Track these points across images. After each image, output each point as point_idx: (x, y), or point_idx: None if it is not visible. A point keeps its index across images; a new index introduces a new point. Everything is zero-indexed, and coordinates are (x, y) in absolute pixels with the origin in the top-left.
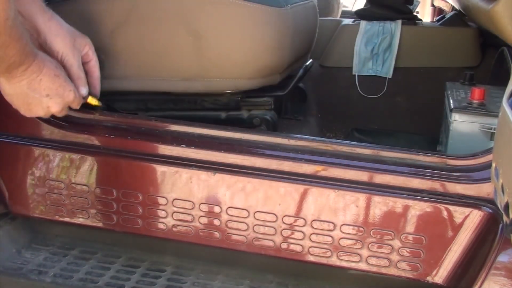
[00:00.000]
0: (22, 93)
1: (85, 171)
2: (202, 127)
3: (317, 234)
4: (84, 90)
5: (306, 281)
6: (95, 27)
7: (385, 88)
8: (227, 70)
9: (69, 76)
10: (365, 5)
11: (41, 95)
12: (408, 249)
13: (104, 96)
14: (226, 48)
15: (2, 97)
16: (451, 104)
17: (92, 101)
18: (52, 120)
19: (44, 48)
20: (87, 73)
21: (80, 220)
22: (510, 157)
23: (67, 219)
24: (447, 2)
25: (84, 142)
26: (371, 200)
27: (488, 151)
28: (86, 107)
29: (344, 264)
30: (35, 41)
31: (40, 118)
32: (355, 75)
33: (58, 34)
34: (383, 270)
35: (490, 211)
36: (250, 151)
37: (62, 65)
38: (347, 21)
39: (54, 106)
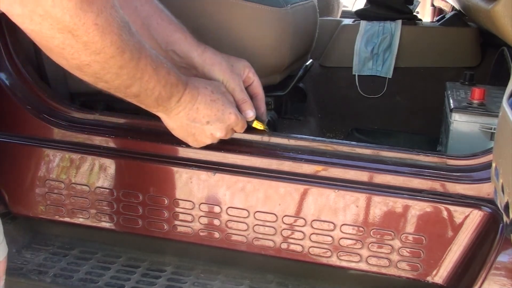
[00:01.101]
0: (184, 125)
1: (85, 171)
2: None
3: (317, 234)
4: (251, 113)
5: (306, 281)
6: None
7: (385, 88)
8: None
9: (236, 101)
10: (365, 5)
11: (202, 123)
12: (408, 249)
13: (104, 96)
14: (226, 48)
15: (1, 96)
16: (451, 104)
17: (258, 125)
18: (52, 120)
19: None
20: (251, 96)
21: (80, 220)
22: (510, 157)
23: (67, 219)
24: (447, 2)
25: (84, 142)
26: (371, 200)
27: (488, 151)
28: (86, 107)
29: (344, 264)
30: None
31: (41, 118)
32: (355, 75)
33: (214, 63)
34: (383, 270)
35: (490, 211)
36: (250, 151)
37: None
38: (347, 21)
39: (217, 132)
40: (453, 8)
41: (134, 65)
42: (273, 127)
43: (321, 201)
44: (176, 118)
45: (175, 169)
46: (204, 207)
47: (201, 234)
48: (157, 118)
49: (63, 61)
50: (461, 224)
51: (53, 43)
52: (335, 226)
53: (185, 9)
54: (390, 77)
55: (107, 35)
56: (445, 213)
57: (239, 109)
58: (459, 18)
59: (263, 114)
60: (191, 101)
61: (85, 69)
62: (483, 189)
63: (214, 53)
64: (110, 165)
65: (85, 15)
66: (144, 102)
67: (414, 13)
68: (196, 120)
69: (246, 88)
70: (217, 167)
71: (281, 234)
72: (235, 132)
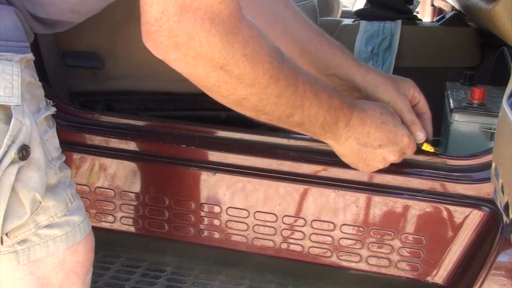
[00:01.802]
0: (354, 150)
1: (85, 171)
2: (202, 127)
3: (317, 234)
4: (421, 135)
5: (306, 281)
6: (95, 27)
7: None
8: None
9: (404, 122)
10: (365, 5)
11: (374, 147)
12: (408, 249)
13: (104, 96)
14: None
15: None
16: (451, 104)
17: (427, 147)
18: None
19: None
20: (418, 116)
21: None
22: (510, 157)
23: None
24: (447, 2)
25: (84, 142)
26: (371, 200)
27: (488, 151)
28: (86, 106)
29: (344, 264)
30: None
31: None
32: None
33: (378, 84)
34: (383, 270)
35: (490, 211)
36: (250, 151)
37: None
38: (347, 21)
39: (390, 156)
40: (453, 8)
41: (292, 92)
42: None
43: (321, 201)
44: (346, 144)
45: (175, 169)
46: (204, 207)
47: (201, 234)
48: (157, 119)
49: (222, 99)
50: (461, 224)
51: (209, 82)
52: (335, 226)
53: None
54: None
55: (258, 64)
56: (445, 213)
57: (410, 131)
58: (459, 18)
59: (430, 134)
60: (360, 124)
61: (244, 103)
62: (483, 189)
63: (378, 73)
64: (110, 165)
65: (232, 48)
66: (310, 130)
67: (414, 13)
68: (367, 145)
69: (413, 108)
70: (217, 167)
71: (281, 234)
72: (406, 155)
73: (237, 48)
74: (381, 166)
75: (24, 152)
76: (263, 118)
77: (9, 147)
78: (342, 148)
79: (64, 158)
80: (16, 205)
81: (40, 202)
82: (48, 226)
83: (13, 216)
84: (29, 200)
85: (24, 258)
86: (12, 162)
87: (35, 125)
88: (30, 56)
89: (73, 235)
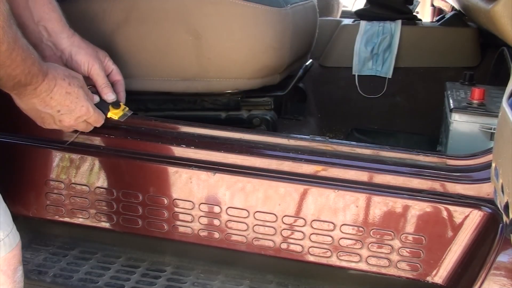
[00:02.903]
0: (34, 109)
1: (85, 171)
2: (202, 127)
3: (317, 234)
4: (112, 96)
5: (306, 281)
6: (95, 26)
7: (385, 88)
8: (227, 70)
9: (97, 85)
10: (365, 5)
11: (53, 110)
12: (408, 249)
13: None
14: (226, 48)
15: (2, 97)
16: (451, 104)
17: (113, 115)
18: None
19: (70, 63)
20: (111, 83)
21: (80, 220)
22: (510, 157)
23: (67, 219)
24: (447, 2)
25: (84, 142)
26: (371, 200)
27: (488, 151)
28: None
29: (344, 264)
30: (57, 59)
31: None
32: (355, 75)
33: (81, 47)
34: (383, 270)
35: (490, 211)
36: (250, 151)
37: (89, 74)
38: (347, 21)
39: (65, 121)
40: (453, 8)
41: (8, 55)
42: (273, 127)
43: (321, 201)
44: (28, 103)
45: (175, 169)
46: (204, 207)
47: (201, 234)
48: (157, 118)
49: None
50: (461, 224)
51: None
52: (335, 226)
53: (185, 9)
54: (390, 77)
55: None
56: (445, 213)
57: (101, 92)
58: (459, 18)
59: (122, 98)
60: (46, 91)
61: None
62: (483, 189)
63: (81, 39)
64: (110, 165)
65: None
66: (1, 84)
67: (414, 13)
68: (47, 107)
69: (108, 75)
70: (217, 167)
71: (281, 234)
72: (91, 124)
73: None
74: (55, 127)
75: None
76: None
77: None
78: (23, 104)
79: None
80: None
81: None
82: None
83: None
84: None
85: None
86: None
87: None
88: None
89: None
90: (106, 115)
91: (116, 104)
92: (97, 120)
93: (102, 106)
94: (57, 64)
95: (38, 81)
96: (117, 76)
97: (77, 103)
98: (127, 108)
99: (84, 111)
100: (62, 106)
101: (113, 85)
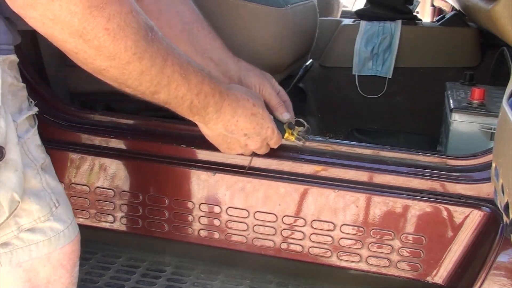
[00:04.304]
0: (220, 134)
1: (85, 171)
2: None
3: (317, 234)
4: (287, 115)
5: (306, 281)
6: None
7: (385, 88)
8: None
9: (270, 105)
10: (365, 5)
11: (239, 135)
12: (408, 249)
13: (104, 96)
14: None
15: None
16: (451, 104)
17: (290, 136)
18: (52, 120)
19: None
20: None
21: (80, 220)
22: (510, 157)
23: None
24: (447, 2)
25: (84, 142)
26: (371, 200)
27: (488, 151)
28: (86, 106)
29: (344, 264)
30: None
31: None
32: (355, 75)
33: (249, 69)
34: (383, 270)
35: (490, 211)
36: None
37: (262, 94)
38: (347, 21)
39: (252, 144)
40: (453, 8)
41: (157, 72)
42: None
43: (321, 201)
44: (214, 128)
45: (175, 169)
46: (204, 207)
47: (201, 234)
48: (157, 118)
49: (82, 65)
50: (461, 224)
51: (67, 46)
52: (335, 226)
53: None
54: (390, 77)
55: (120, 40)
56: (445, 213)
57: (275, 112)
58: (459, 18)
59: (292, 118)
60: (231, 113)
61: (104, 74)
62: (483, 189)
63: (247, 62)
64: (110, 165)
65: (94, 20)
66: (178, 110)
67: (414, 13)
68: (234, 132)
69: None
70: (217, 167)
71: (281, 234)
72: (270, 146)
73: (100, 21)
74: (241, 151)
75: None
76: (127, 91)
77: None
78: (210, 131)
79: (48, 158)
80: None
81: (19, 202)
82: (30, 230)
83: None
84: (7, 200)
85: (6, 262)
86: None
87: (12, 126)
88: (14, 57)
89: (57, 240)
90: (283, 136)
91: (290, 125)
92: (277, 141)
93: (278, 127)
94: (236, 84)
95: (218, 102)
96: (284, 97)
97: (263, 125)
98: (300, 129)
99: (270, 132)
100: (249, 128)
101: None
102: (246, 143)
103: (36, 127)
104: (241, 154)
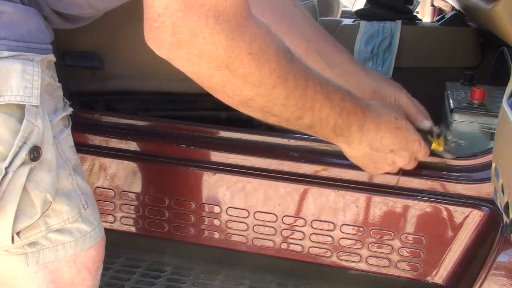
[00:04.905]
0: (366, 154)
1: (85, 171)
2: (202, 127)
3: (317, 234)
4: (428, 123)
5: (306, 281)
6: (95, 27)
7: None
8: None
9: (408, 115)
10: (365, 5)
11: (385, 152)
12: (408, 249)
13: (104, 96)
14: None
15: None
16: (451, 104)
17: (438, 146)
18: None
19: (374, 99)
20: None
21: None
22: (510, 157)
23: None
24: (447, 2)
25: (84, 142)
26: (371, 200)
27: (488, 151)
28: (86, 106)
29: (344, 264)
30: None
31: None
32: None
33: (382, 79)
34: (383, 270)
35: (490, 211)
36: (250, 151)
37: (398, 105)
38: (347, 21)
39: (399, 161)
40: (453, 8)
41: (301, 93)
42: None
43: (321, 201)
44: (359, 148)
45: (175, 169)
46: (204, 207)
47: (201, 234)
48: (157, 118)
49: (228, 99)
50: (461, 224)
51: (213, 81)
52: (335, 226)
53: None
54: (390, 77)
55: (264, 63)
56: (445, 213)
57: (415, 120)
58: (459, 18)
59: (435, 128)
60: (374, 129)
61: (251, 104)
62: (483, 189)
63: (377, 72)
64: (110, 165)
65: (237, 46)
66: (321, 133)
67: (414, 13)
68: (379, 149)
69: None
70: (217, 167)
71: (281, 234)
72: (418, 160)
73: (243, 46)
74: (388, 169)
75: (35, 153)
76: (271, 120)
77: (20, 148)
78: (354, 151)
79: (78, 158)
80: (27, 205)
81: (51, 203)
82: (59, 230)
83: (24, 216)
84: (41, 201)
85: (33, 261)
86: (23, 163)
87: (49, 126)
88: (52, 57)
89: (83, 242)
90: (429, 146)
91: (435, 134)
92: (425, 154)
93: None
94: (373, 100)
95: (360, 119)
96: (419, 105)
97: (409, 138)
98: (449, 138)
99: (417, 145)
100: (395, 144)
101: None
102: (394, 160)
103: (69, 128)
104: (388, 173)
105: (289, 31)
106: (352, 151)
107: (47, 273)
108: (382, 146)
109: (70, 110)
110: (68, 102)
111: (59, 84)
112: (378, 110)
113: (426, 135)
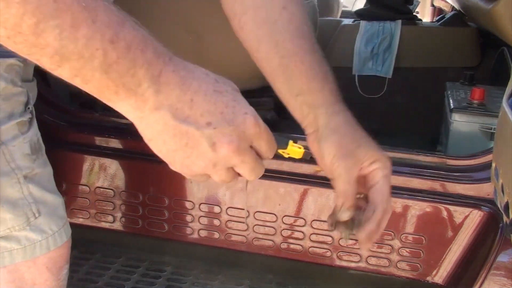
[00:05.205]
0: (169, 133)
1: (85, 171)
2: None
3: (317, 234)
4: (345, 214)
5: (306, 281)
6: None
7: (385, 88)
8: (227, 70)
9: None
10: (365, 5)
11: (199, 124)
12: (408, 249)
13: None
14: (226, 48)
15: None
16: (451, 104)
17: (294, 153)
18: (52, 120)
19: (316, 147)
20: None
21: (80, 220)
22: (510, 157)
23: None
24: (447, 2)
25: (84, 142)
26: None
27: (488, 151)
28: (86, 107)
29: (344, 264)
30: (313, 141)
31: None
32: (355, 75)
33: (337, 131)
34: (383, 270)
35: (490, 211)
36: None
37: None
38: (347, 21)
39: (225, 142)
40: (453, 8)
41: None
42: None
43: (321, 201)
44: (155, 120)
45: None
46: (204, 207)
47: (201, 234)
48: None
49: None
50: (461, 224)
51: None
52: None
53: (186, 10)
54: (390, 77)
55: None
56: (445, 213)
57: (336, 207)
58: (459, 18)
59: (370, 234)
60: (179, 84)
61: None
62: (483, 189)
63: (347, 122)
64: (110, 165)
65: None
66: (88, 79)
67: (414, 13)
68: (189, 120)
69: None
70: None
71: (281, 234)
72: (262, 156)
73: None
74: (209, 162)
75: None
76: (51, 71)
77: None
78: (149, 127)
79: (41, 168)
80: None
81: None
82: (4, 237)
83: None
84: None
85: None
86: None
87: None
88: (13, 61)
89: (32, 250)
90: (285, 148)
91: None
92: (270, 145)
93: (280, 140)
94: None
95: (152, 63)
96: (378, 198)
97: (236, 108)
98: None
99: (251, 123)
100: (213, 113)
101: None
102: (214, 140)
103: (29, 135)
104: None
105: (265, 41)
106: (146, 127)
107: (6, 272)
108: (194, 114)
109: (27, 116)
110: (30, 108)
111: (22, 90)
112: (189, 64)
113: (285, 140)
